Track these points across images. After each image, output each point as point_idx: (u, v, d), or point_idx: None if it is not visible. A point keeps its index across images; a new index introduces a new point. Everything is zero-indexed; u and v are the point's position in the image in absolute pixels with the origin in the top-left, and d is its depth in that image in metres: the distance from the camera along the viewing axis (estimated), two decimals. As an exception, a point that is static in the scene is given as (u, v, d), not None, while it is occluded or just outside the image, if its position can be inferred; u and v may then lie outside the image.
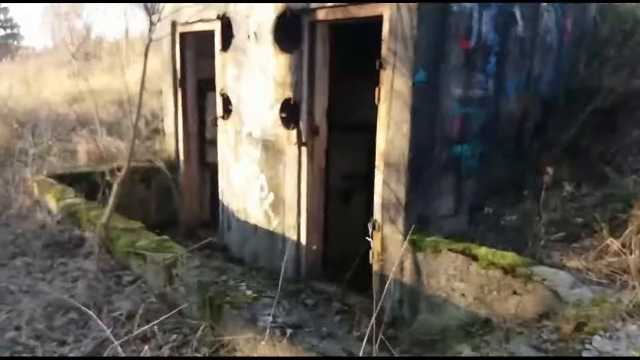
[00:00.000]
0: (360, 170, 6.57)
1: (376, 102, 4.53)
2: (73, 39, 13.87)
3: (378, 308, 2.93)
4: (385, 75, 4.42)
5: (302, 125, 5.31)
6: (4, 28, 41.06)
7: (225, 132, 6.39)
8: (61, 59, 14.86)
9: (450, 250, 4.20)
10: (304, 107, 5.29)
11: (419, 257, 4.39)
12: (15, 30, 41.31)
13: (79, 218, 4.67)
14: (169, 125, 7.56)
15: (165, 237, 4.16)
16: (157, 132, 7.78)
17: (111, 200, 4.19)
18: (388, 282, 4.55)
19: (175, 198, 7.37)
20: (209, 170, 7.79)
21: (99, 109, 9.19)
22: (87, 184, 6.01)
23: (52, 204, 5.37)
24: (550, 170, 4.80)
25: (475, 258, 4.08)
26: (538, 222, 4.81)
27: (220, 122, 6.43)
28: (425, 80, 4.32)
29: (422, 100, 4.33)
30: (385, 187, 4.54)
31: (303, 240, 5.55)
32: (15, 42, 38.91)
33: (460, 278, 4.13)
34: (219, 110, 6.43)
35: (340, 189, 6.74)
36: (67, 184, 6.17)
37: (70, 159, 7.00)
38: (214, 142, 7.64)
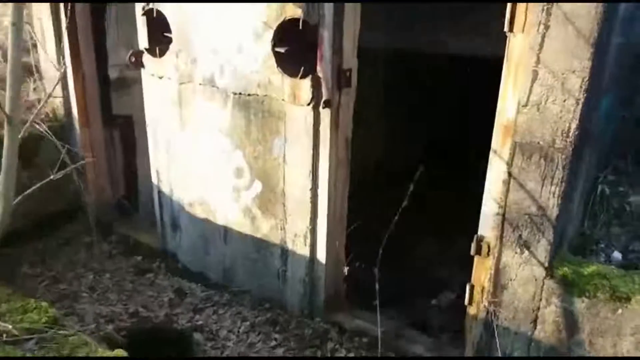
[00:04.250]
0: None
1: (505, 29, 2.41)
2: None
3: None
4: (532, -22, 2.27)
5: (323, 69, 3.02)
6: None
7: (157, 78, 3.82)
8: None
9: (648, 298, 2.42)
10: (325, 37, 2.97)
11: (578, 305, 2.57)
12: None
13: None
14: (45, 62, 4.68)
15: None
16: (31, 72, 4.82)
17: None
18: (500, 333, 2.77)
19: (74, 177, 4.69)
20: (118, 128, 5.14)
21: None
22: None
23: None
24: None
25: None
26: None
27: (147, 60, 3.82)
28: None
29: (607, 26, 2.29)
30: (515, 185, 2.56)
31: (321, 255, 3.45)
32: None
33: (668, 344, 2.41)
34: (143, 40, 3.80)
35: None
36: None
37: None
38: (122, 84, 5.00)
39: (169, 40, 3.61)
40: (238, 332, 3.64)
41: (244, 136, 3.47)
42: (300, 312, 3.63)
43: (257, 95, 3.29)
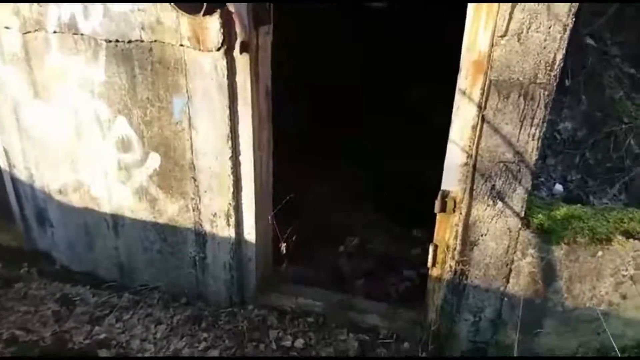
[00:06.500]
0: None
1: (479, -60, 1.93)
2: None
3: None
4: None
5: (235, 2, 2.30)
6: None
7: (-15, 25, 2.74)
8: None
9: (630, 236, 2.28)
10: (233, -42, 2.23)
11: (556, 253, 2.36)
12: None
13: None
14: None
15: None
16: None
17: None
18: (469, 293, 2.54)
19: None
20: None
21: None
22: None
23: None
24: None
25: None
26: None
27: (-35, 0, 2.70)
28: None
29: None
30: (488, 130, 2.19)
31: (249, 233, 2.86)
32: None
33: (646, 280, 2.32)
34: (-47, -29, 2.66)
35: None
36: None
37: None
38: None
39: (-5, -29, 2.55)
40: (154, 339, 2.96)
41: (127, 97, 2.64)
42: (228, 302, 3.05)
43: (142, 41, 2.47)
